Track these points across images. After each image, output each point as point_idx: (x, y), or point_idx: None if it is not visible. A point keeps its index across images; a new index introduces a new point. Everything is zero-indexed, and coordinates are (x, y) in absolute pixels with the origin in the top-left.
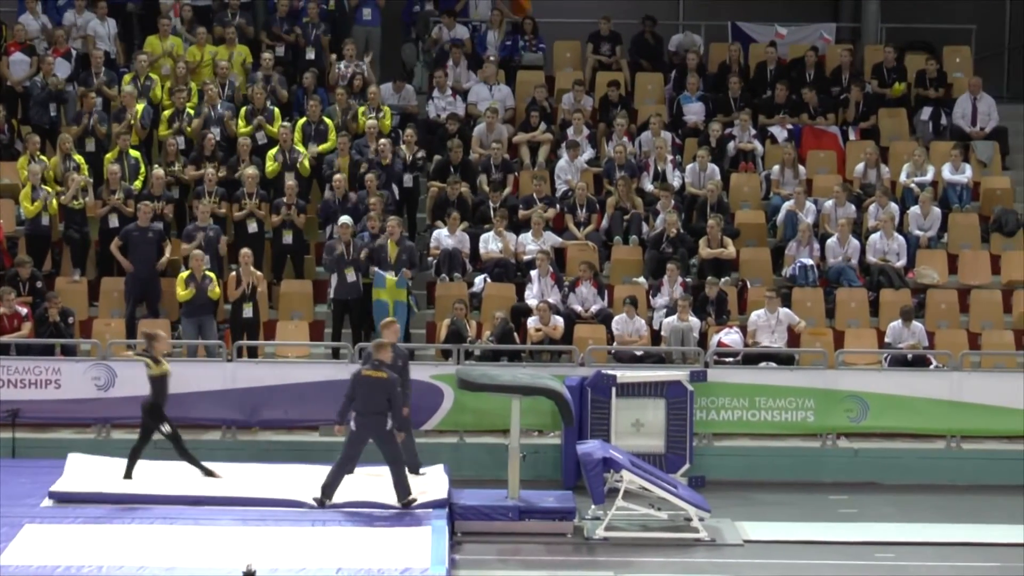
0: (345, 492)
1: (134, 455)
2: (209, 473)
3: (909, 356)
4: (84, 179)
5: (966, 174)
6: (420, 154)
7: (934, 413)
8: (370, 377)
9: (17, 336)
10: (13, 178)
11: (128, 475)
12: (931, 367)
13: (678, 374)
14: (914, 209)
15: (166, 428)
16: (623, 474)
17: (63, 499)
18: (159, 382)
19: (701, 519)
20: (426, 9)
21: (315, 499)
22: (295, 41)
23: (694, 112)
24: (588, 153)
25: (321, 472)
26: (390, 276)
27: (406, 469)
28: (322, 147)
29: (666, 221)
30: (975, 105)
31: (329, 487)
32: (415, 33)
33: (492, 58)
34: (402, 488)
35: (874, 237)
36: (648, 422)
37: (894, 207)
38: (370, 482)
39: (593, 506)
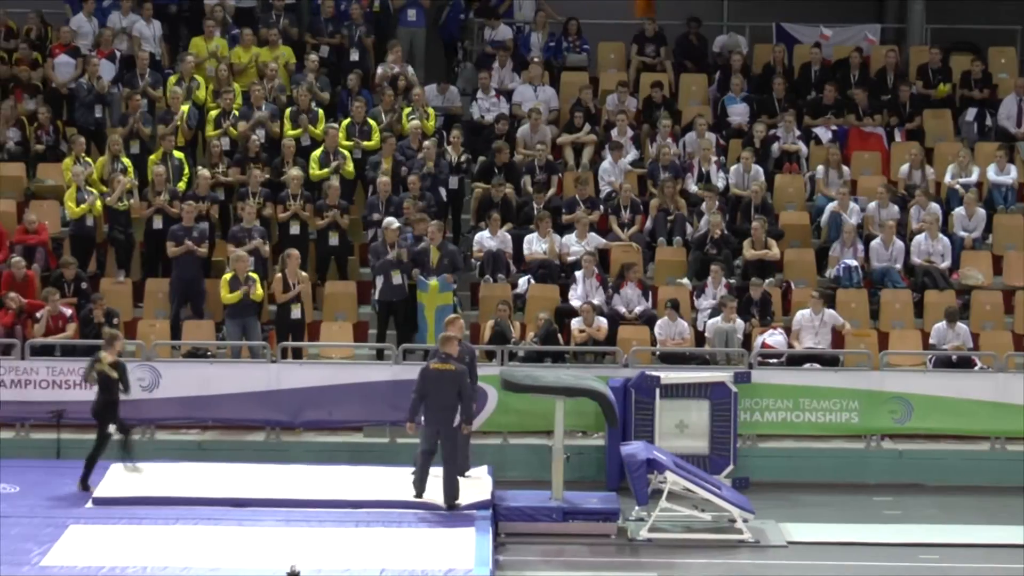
0: (389, 491)
1: (126, 449)
2: (86, 487)
3: (954, 357)
4: (129, 181)
5: (1011, 175)
6: (465, 156)
7: (979, 414)
8: (439, 370)
9: (62, 337)
10: (58, 180)
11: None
12: (976, 368)
13: (722, 375)
14: (959, 210)
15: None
16: (667, 475)
17: (106, 503)
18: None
19: (745, 520)
20: (470, 17)
21: (446, 507)
22: (339, 43)
23: (738, 113)
24: (632, 154)
25: (364, 473)
26: (432, 281)
27: (457, 472)
28: (367, 144)
29: (710, 222)
30: (1020, 106)
31: (451, 492)
32: (462, 50)
33: (536, 59)
34: (451, 490)
35: (919, 238)
36: (692, 423)
37: (936, 208)
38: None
39: (637, 507)
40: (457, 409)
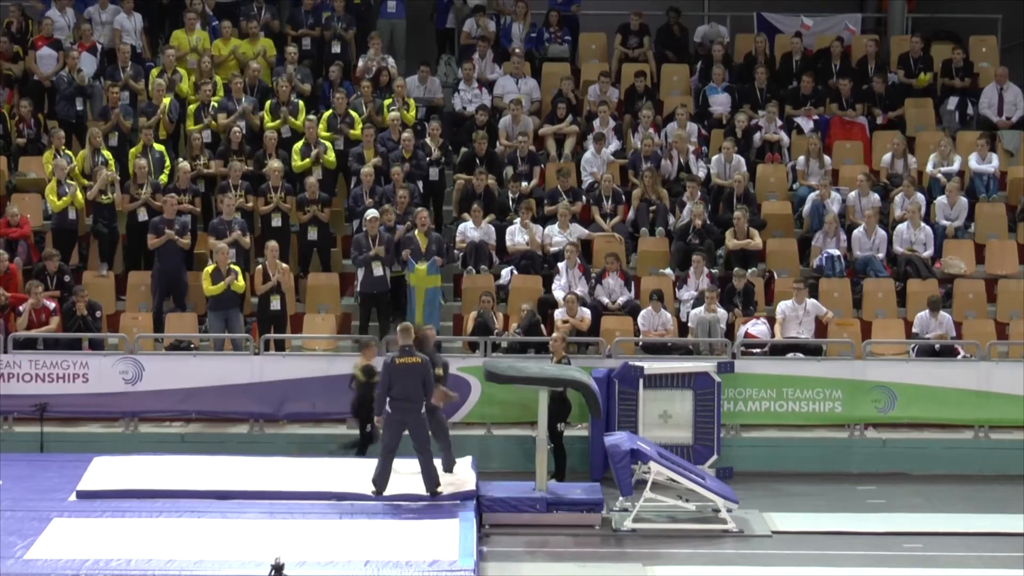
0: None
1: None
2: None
3: (936, 346)
4: (111, 175)
5: (993, 164)
6: (445, 147)
7: (962, 403)
8: (404, 364)
9: (45, 330)
10: (40, 172)
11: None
12: (958, 357)
13: (705, 365)
14: (941, 199)
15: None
16: (651, 465)
17: (90, 496)
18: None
19: (729, 510)
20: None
21: (372, 492)
22: (320, 35)
23: (720, 103)
24: (614, 145)
25: (345, 465)
26: (420, 265)
27: (434, 459)
28: (352, 132)
29: (692, 212)
30: (1001, 95)
31: (432, 479)
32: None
33: (518, 50)
34: (431, 478)
35: (901, 227)
36: (676, 413)
37: (920, 197)
38: (398, 474)
39: (621, 498)
40: (422, 401)
